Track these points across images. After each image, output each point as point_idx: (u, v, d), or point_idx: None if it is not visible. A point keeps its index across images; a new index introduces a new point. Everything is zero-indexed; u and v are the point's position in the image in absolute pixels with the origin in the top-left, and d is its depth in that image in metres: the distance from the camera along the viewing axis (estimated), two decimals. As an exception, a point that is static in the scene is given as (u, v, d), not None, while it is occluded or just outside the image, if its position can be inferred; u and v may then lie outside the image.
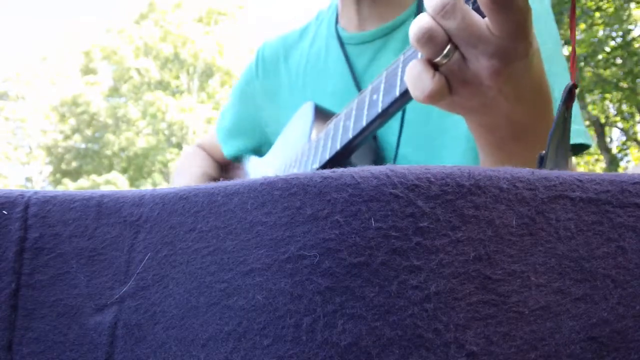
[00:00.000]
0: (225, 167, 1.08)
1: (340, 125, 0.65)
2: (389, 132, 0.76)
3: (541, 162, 0.36)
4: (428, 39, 0.43)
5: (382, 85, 0.56)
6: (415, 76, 0.45)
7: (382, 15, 0.82)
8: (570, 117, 0.39)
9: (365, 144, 0.70)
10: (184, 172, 1.05)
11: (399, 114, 0.74)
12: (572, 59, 0.39)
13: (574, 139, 0.65)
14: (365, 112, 0.59)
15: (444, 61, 0.44)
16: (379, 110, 0.56)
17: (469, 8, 0.42)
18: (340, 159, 0.66)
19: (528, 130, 0.49)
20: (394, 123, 0.75)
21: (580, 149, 0.67)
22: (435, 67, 0.44)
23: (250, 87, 0.99)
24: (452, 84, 0.45)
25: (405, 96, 0.53)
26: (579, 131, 0.66)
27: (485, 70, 0.43)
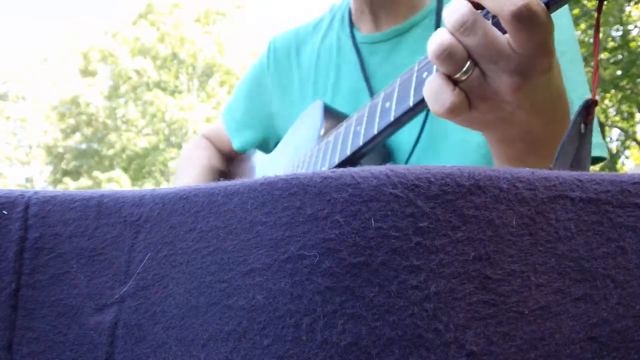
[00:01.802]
0: (230, 158, 1.08)
1: (351, 130, 0.64)
2: (404, 135, 0.76)
3: None
4: (447, 55, 0.42)
5: (396, 94, 0.55)
6: (435, 90, 0.44)
7: (397, 16, 0.82)
8: (591, 133, 0.38)
9: (376, 149, 0.70)
10: (189, 165, 1.03)
11: (421, 120, 0.73)
12: (595, 74, 0.38)
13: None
14: (377, 119, 0.58)
15: (464, 77, 0.42)
16: (391, 119, 0.55)
17: (489, 24, 0.41)
18: (349, 164, 0.65)
19: (546, 142, 0.48)
20: (412, 128, 0.74)
21: (596, 161, 0.66)
22: (454, 82, 0.43)
23: (261, 80, 0.98)
24: (472, 99, 0.44)
25: (418, 106, 0.52)
26: (595, 144, 0.64)
27: (506, 86, 0.42)
